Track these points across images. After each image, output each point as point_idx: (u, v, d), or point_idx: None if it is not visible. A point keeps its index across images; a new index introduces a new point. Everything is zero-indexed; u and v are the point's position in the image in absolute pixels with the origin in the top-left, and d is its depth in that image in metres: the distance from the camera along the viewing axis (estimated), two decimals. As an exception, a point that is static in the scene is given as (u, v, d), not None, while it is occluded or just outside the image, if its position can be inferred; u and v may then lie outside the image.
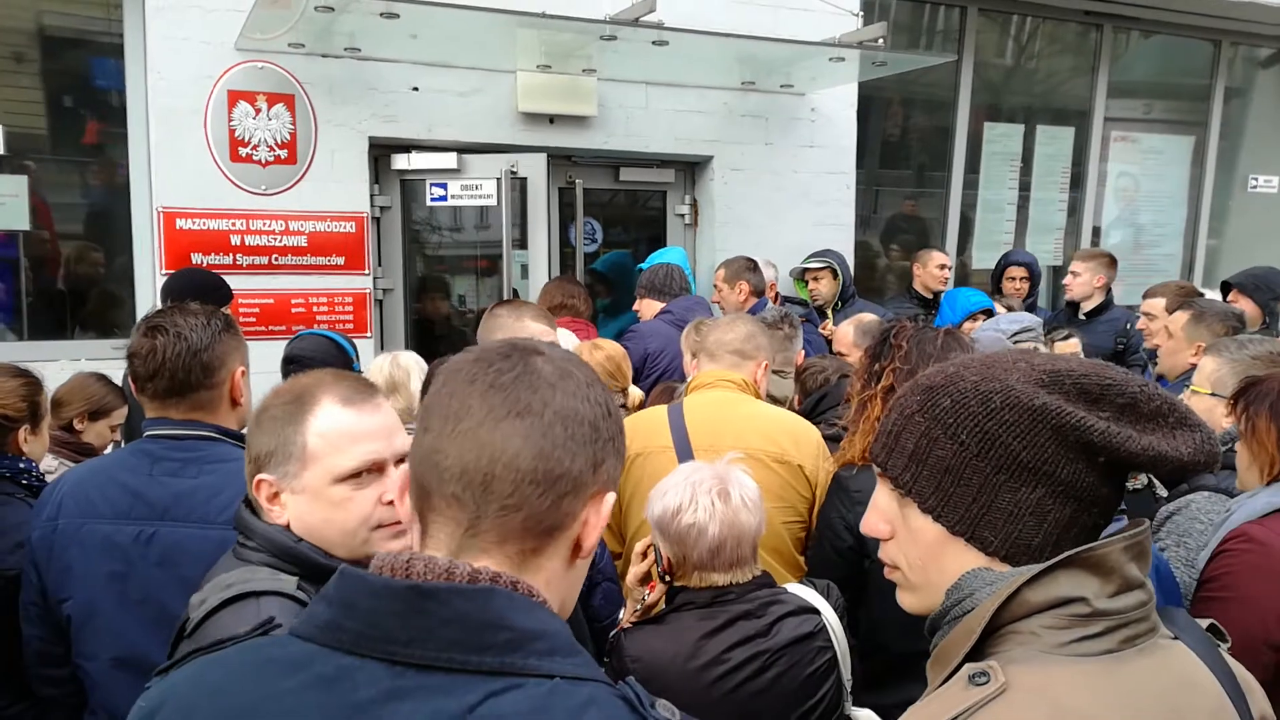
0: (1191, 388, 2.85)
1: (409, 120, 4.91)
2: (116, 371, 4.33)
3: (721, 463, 2.21)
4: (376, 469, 1.65)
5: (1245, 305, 4.70)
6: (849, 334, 4.11)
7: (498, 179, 4.97)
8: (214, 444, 2.12)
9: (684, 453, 2.83)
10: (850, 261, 6.05)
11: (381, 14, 3.98)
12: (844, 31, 5.10)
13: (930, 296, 5.94)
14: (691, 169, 5.82)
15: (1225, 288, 5.00)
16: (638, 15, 4.41)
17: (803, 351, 4.04)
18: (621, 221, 6.13)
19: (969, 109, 6.94)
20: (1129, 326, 5.42)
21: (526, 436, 1.00)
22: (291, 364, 3.00)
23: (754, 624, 2.06)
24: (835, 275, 5.50)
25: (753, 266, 4.95)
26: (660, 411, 2.99)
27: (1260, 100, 8.22)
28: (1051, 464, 1.09)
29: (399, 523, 1.63)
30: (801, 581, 2.33)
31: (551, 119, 5.21)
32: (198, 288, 3.74)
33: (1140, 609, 1.07)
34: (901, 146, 7.28)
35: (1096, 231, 7.69)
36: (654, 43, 4.49)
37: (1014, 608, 1.05)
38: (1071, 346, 4.64)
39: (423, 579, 0.97)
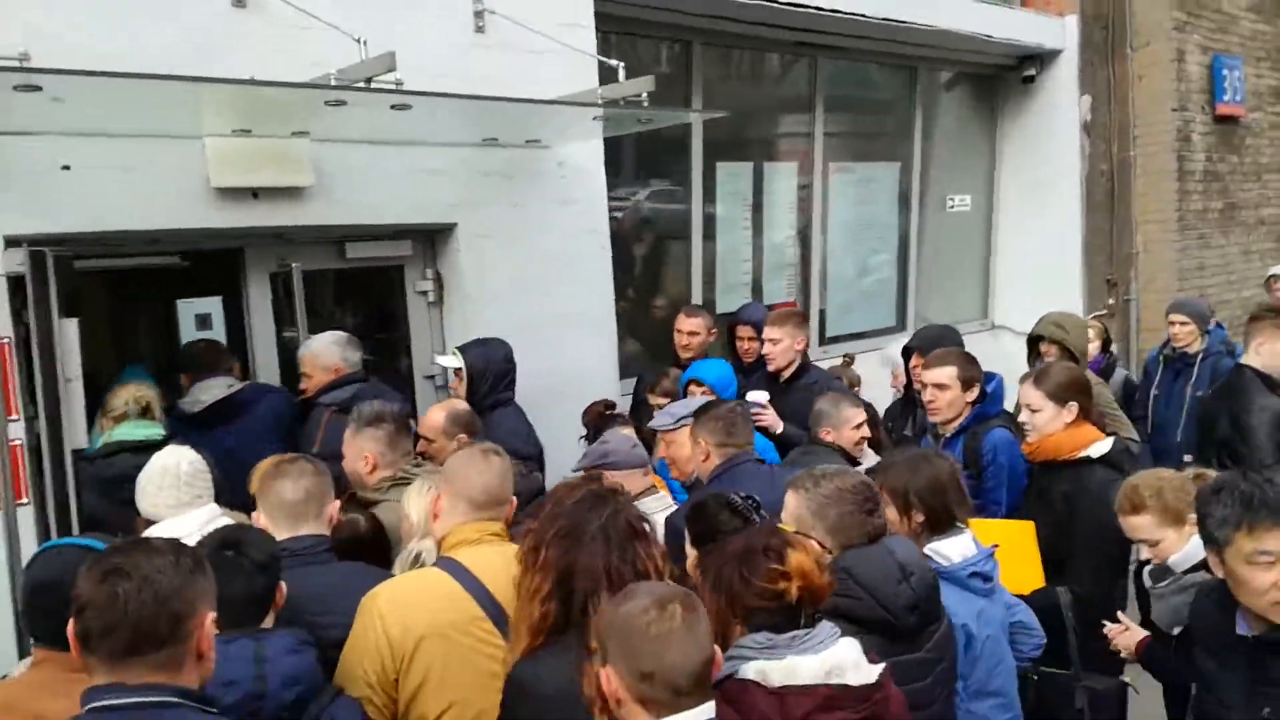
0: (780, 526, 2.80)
1: (63, 210, 3.71)
2: None
3: None
4: None
5: None
6: (439, 421, 3.83)
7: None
8: (176, 710, 1.75)
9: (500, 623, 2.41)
10: (613, 324, 5.58)
11: (16, 87, 2.87)
12: (600, 86, 4.58)
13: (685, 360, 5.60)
14: (432, 238, 5.03)
15: (907, 353, 4.93)
16: (371, 74, 3.58)
17: None
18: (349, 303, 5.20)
19: (702, 148, 6.68)
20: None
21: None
22: None
23: None
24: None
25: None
26: (442, 578, 2.47)
27: (946, 123, 8.71)
28: None
29: None
30: None
31: (255, 193, 4.21)
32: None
33: None
34: (644, 193, 6.87)
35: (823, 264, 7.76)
36: (393, 107, 3.68)
37: None
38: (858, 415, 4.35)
39: None
